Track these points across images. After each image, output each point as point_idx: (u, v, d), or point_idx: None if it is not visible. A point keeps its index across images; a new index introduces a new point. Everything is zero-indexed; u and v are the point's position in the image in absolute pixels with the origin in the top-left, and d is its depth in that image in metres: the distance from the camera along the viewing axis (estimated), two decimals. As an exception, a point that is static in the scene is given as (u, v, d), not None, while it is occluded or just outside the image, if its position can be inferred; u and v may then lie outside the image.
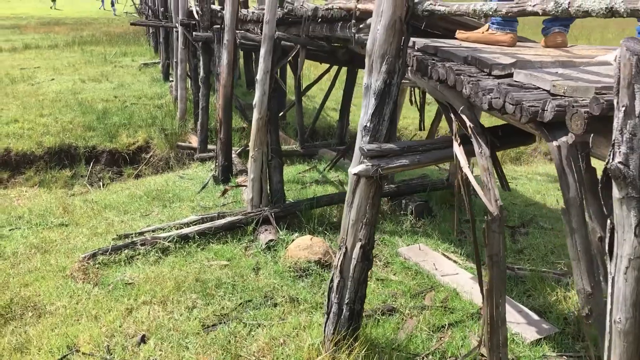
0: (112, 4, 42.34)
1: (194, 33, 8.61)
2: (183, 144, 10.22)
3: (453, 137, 3.23)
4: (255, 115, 5.65)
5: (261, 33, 5.66)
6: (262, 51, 5.49)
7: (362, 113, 3.40)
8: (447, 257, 5.38)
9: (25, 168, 10.69)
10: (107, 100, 14.18)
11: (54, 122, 12.07)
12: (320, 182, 7.39)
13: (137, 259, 5.22)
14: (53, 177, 10.75)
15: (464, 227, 6.04)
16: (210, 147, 9.36)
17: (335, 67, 8.90)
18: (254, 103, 5.65)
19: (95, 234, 5.97)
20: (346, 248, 3.52)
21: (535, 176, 9.10)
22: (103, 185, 10.36)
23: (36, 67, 18.27)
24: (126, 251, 5.27)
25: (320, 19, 5.41)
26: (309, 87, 9.62)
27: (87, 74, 17.56)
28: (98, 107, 13.24)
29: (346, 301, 3.55)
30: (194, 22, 11.08)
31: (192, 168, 8.82)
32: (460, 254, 5.48)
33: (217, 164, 7.53)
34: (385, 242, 5.67)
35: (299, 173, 7.95)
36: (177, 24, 13.04)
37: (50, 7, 41.91)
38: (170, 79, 16.89)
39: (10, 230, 6.24)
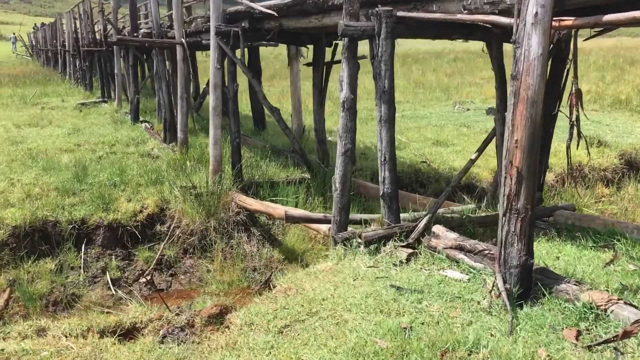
0: (13, 43, 46.94)
1: (343, 23, 5.01)
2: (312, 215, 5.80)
3: None
4: None
5: None
6: None
7: None
8: None
9: (-19, 263, 6.33)
10: (69, 150, 9.96)
11: (9, 186, 7.72)
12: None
13: None
14: (30, 275, 6.50)
15: None
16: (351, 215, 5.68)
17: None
18: None
19: None
20: None
21: None
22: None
23: None
24: None
25: None
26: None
27: (11, 118, 12.94)
28: (63, 161, 8.99)
29: None
30: (235, 30, 7.48)
31: (357, 258, 4.70)
32: None
33: (501, 264, 3.69)
34: None
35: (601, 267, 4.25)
36: (182, 40, 9.28)
37: None
38: (141, 118, 12.75)
39: None
